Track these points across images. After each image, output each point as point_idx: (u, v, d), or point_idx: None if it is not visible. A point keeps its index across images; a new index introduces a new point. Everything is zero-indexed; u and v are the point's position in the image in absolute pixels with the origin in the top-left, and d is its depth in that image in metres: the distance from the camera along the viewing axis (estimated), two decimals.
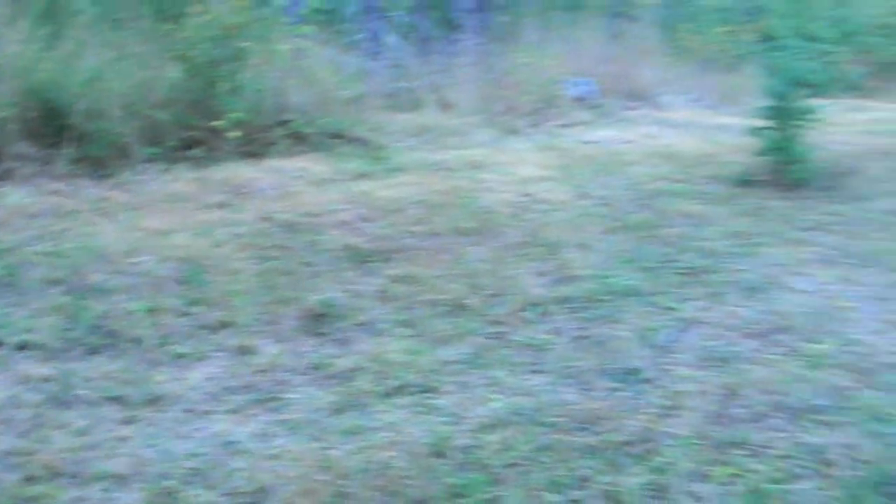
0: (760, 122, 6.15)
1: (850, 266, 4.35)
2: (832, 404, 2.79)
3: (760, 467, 2.44)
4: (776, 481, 2.36)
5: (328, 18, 10.75)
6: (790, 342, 3.36)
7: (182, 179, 5.52)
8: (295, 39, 7.01)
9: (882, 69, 12.93)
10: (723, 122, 8.51)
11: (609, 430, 2.64)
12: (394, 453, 2.52)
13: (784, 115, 6.02)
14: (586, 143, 7.31)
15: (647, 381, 3.03)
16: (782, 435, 2.61)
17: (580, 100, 8.68)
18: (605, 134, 7.71)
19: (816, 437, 2.58)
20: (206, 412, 2.84)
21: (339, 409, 2.86)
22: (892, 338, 3.36)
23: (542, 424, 2.70)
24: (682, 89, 10.08)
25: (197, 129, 5.96)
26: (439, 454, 2.53)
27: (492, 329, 3.54)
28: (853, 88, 11.87)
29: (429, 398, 2.93)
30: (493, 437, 2.61)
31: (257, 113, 6.24)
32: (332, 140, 6.49)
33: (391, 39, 9.56)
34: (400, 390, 2.98)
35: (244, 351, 3.32)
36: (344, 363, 3.22)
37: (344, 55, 8.71)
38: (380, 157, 6.31)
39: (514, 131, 7.57)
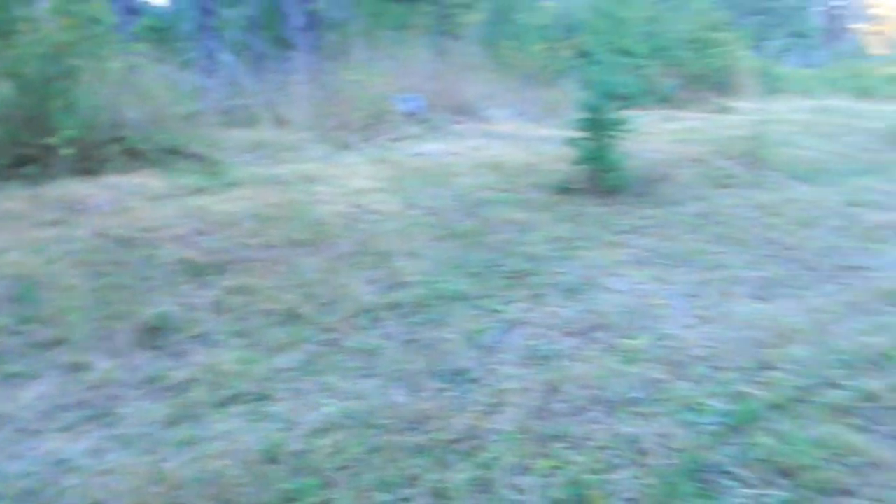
0: (577, 134, 6.74)
1: (663, 266, 4.88)
2: (647, 396, 3.10)
3: (580, 459, 2.67)
4: (595, 472, 2.60)
5: (162, 37, 11.50)
6: (607, 339, 3.71)
7: (15, 197, 5.56)
8: (128, 57, 7.40)
9: (692, 81, 14.59)
10: (545, 134, 9.25)
11: (437, 430, 2.87)
12: (227, 462, 2.66)
13: (598, 126, 6.63)
14: (416, 155, 7.82)
15: (474, 380, 3.30)
16: (600, 427, 2.88)
17: (410, 115, 9.36)
18: (433, 147, 8.27)
19: (632, 428, 2.85)
20: (38, 431, 2.93)
21: (172, 421, 3.00)
22: (701, 332, 3.78)
23: (373, 426, 2.90)
24: (506, 103, 10.95)
25: (30, 146, 6.13)
26: (272, 460, 2.69)
27: (325, 336, 3.81)
28: (666, 100, 13.29)
29: (262, 406, 3.12)
30: (326, 442, 2.79)
31: (91, 130, 6.46)
32: (168, 156, 6.79)
33: (226, 57, 10.25)
34: (234, 399, 3.17)
35: (77, 367, 3.43)
36: (178, 375, 3.38)
37: (179, 73, 9.12)
38: (216, 173, 6.56)
39: (346, 146, 8.06)
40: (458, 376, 3.33)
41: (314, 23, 10.83)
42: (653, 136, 8.73)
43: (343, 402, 3.12)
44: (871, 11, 53.75)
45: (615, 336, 3.73)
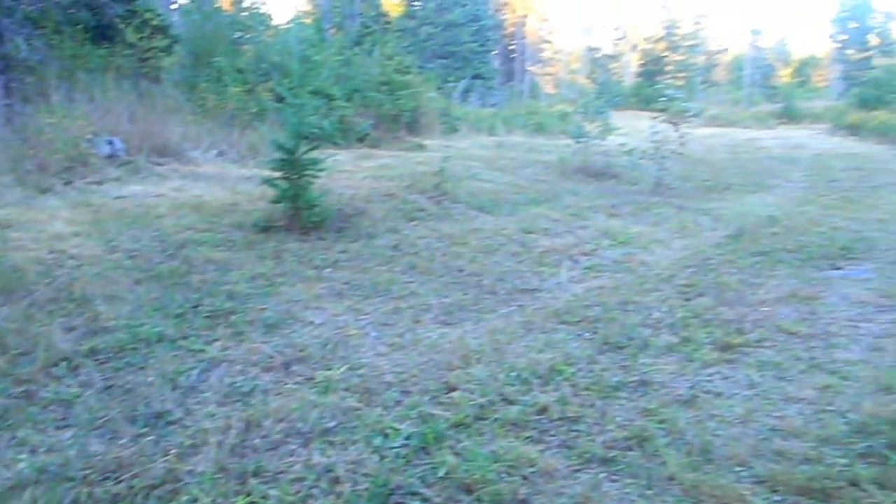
0: (274, 174, 6.78)
1: (359, 297, 5.03)
2: (341, 425, 3.15)
3: (275, 492, 2.66)
4: None
5: None
6: (305, 371, 3.74)
7: None
8: None
9: (386, 121, 15.44)
10: (246, 174, 9.25)
11: (134, 476, 2.72)
12: None
13: (293, 166, 6.72)
14: (117, 198, 7.49)
15: (173, 422, 3.17)
16: (296, 459, 2.88)
17: (111, 157, 9.01)
18: (135, 189, 7.98)
19: (326, 458, 2.88)
20: None
21: None
22: (393, 358, 3.95)
23: (69, 479, 2.70)
24: (208, 144, 10.86)
25: None
26: None
27: (19, 388, 3.47)
28: (362, 139, 13.90)
29: None
30: (18, 501, 2.57)
31: None
32: None
33: None
34: None
35: None
36: None
37: None
38: None
39: (46, 190, 7.56)
40: (157, 420, 3.19)
41: (8, 65, 9.87)
42: (350, 173, 9.05)
43: (37, 456, 2.87)
44: (544, 55, 60.66)
45: (313, 368, 3.77)
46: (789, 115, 40.66)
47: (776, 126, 37.21)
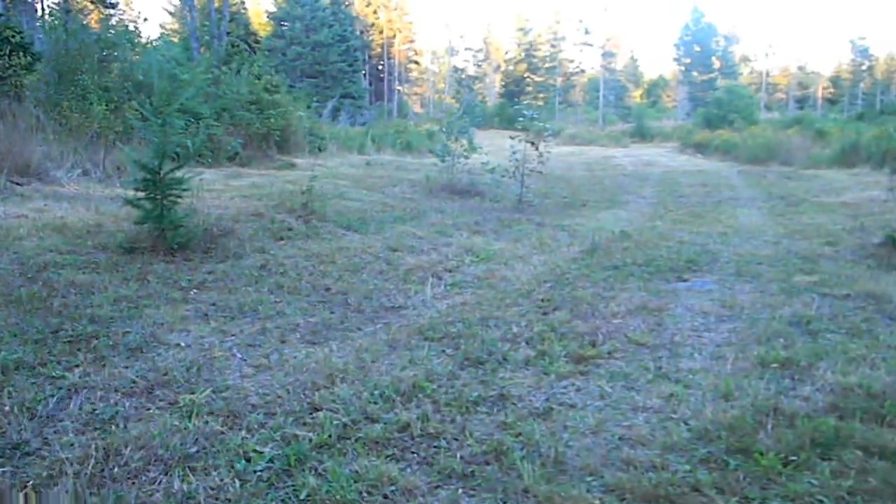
0: (137, 194, 6.57)
1: (225, 318, 4.95)
2: (203, 450, 3.09)
3: None
4: None
5: None
6: (169, 396, 3.64)
7: None
8: None
9: (256, 140, 15.24)
10: (110, 194, 8.90)
11: None
12: None
13: (157, 185, 6.53)
14: None
15: (30, 453, 3.02)
16: (157, 487, 2.80)
17: None
18: None
19: (187, 485, 2.81)
20: None
21: None
22: (258, 380, 3.91)
23: None
24: (72, 164, 10.41)
25: None
26: None
27: None
28: (232, 158, 13.65)
29: None
30: None
31: None
32: None
33: None
34: None
35: None
36: None
37: None
38: None
39: None
40: (14, 450, 3.03)
41: None
42: (219, 193, 8.86)
43: None
44: (411, 75, 61.38)
45: (176, 392, 3.67)
46: (641, 134, 42.92)
47: (630, 144, 39.22)
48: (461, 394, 3.85)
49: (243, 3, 46.47)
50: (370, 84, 52.94)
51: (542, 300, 5.91)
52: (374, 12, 53.43)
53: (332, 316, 5.19)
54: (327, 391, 3.77)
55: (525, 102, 57.70)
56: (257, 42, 42.64)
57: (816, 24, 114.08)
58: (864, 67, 64.52)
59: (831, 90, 66.18)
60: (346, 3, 47.53)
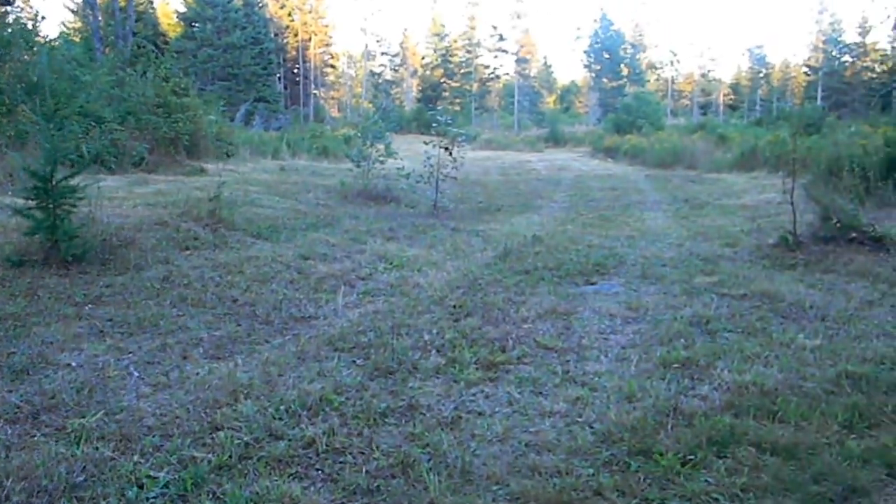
0: (28, 203, 6.21)
1: (122, 335, 4.71)
2: (92, 478, 2.91)
3: None
4: None
5: None
6: (56, 421, 3.42)
7: None
8: None
9: (164, 144, 14.65)
10: (1, 204, 8.32)
11: None
12: None
13: (49, 194, 6.18)
14: None
15: None
16: None
17: None
18: None
19: None
20: None
21: None
22: (156, 400, 3.73)
23: None
24: None
25: None
26: None
27: None
28: (138, 164, 13.08)
29: None
30: None
31: None
32: None
33: None
34: None
35: None
36: None
37: None
38: None
39: None
40: None
41: None
42: (121, 200, 8.48)
43: None
44: (328, 79, 60.74)
45: (64, 417, 3.46)
46: (555, 139, 43.70)
47: (544, 149, 39.85)
48: (369, 405, 3.77)
49: (151, 2, 45.05)
50: (285, 88, 52.12)
51: (455, 306, 5.89)
52: (289, 14, 52.62)
53: (238, 329, 5.02)
54: (230, 409, 3.63)
55: (442, 107, 58.27)
56: (166, 43, 41.36)
57: (718, 33, 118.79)
58: (761, 75, 67.50)
59: (732, 96, 68.96)
60: (260, 4, 46.65)
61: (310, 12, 53.75)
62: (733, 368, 4.38)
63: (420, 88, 64.98)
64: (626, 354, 4.76)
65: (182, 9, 43.33)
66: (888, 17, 46.25)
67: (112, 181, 10.89)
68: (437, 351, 4.76)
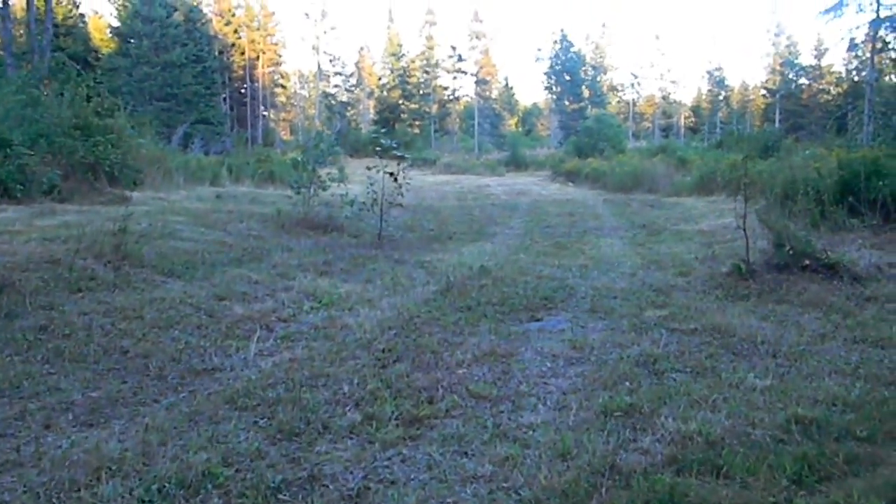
0: None
1: None
2: None
3: None
4: None
5: None
6: None
7: None
8: None
9: (80, 171, 13.82)
10: None
11: None
12: None
13: None
14: None
15: None
16: None
17: None
18: None
19: None
20: None
21: None
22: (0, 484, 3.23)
23: None
24: None
25: None
26: None
27: None
28: (49, 192, 12.32)
29: None
30: None
31: None
32: None
33: None
34: None
35: None
36: None
37: None
38: None
39: None
40: None
41: None
42: (14, 235, 7.87)
43: None
44: (279, 99, 60.11)
45: None
46: (516, 163, 43.81)
47: (505, 173, 39.88)
48: (262, 479, 3.33)
49: (82, 16, 44.10)
50: (232, 109, 51.47)
51: (384, 350, 5.48)
52: (235, 31, 52.01)
53: (122, 387, 4.49)
54: (89, 492, 3.13)
55: (400, 129, 58.06)
56: (98, 60, 40.45)
57: (678, 55, 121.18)
58: (721, 97, 68.69)
59: (693, 119, 70.05)
60: (202, 20, 45.99)
61: (258, 29, 53.27)
62: (678, 415, 4.11)
63: (377, 110, 64.76)
64: (566, 401, 4.43)
65: (116, 23, 42.41)
66: (841, 38, 47.35)
67: (13, 212, 10.28)
68: (356, 405, 4.35)
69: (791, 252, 7.92)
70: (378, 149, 12.45)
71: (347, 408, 4.28)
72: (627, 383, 4.71)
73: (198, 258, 8.31)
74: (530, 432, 3.94)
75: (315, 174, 13.24)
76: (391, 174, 11.73)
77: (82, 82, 16.19)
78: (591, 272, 8.96)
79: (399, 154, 12.35)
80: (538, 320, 6.57)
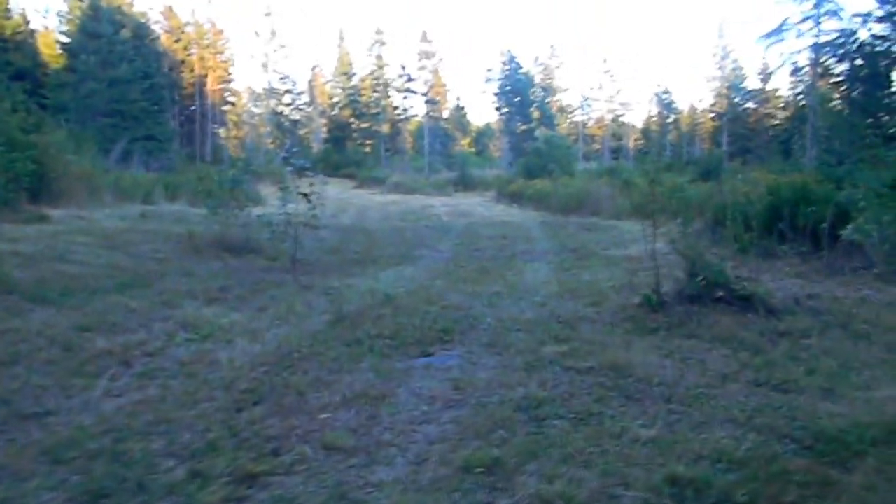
0: None
1: None
2: None
3: None
4: None
5: None
6: None
7: None
8: None
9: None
10: None
11: None
12: None
13: None
14: None
15: None
16: None
17: None
18: None
19: None
20: None
21: None
22: None
23: None
24: None
25: None
26: None
27: None
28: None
29: None
30: None
31: None
32: None
33: None
34: None
35: None
36: None
37: None
38: None
39: None
40: None
41: None
42: None
43: None
44: (229, 117, 59.12)
45: None
46: (465, 183, 43.54)
47: (454, 193, 39.57)
48: None
49: (32, 31, 43.10)
50: (182, 125, 50.52)
51: (246, 391, 5.03)
52: (185, 48, 51.15)
53: None
54: None
55: (352, 148, 57.57)
56: (46, 75, 39.44)
57: (627, 78, 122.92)
58: (670, 120, 69.52)
59: (642, 141, 70.71)
60: (151, 37, 45.11)
61: (207, 46, 52.45)
62: (546, 473, 3.69)
63: (329, 128, 64.20)
64: (429, 454, 4.01)
65: (66, 39, 41.38)
66: (783, 63, 48.20)
67: None
68: (191, 457, 3.89)
69: (704, 282, 7.57)
70: (289, 168, 11.98)
71: (176, 462, 3.82)
72: (502, 431, 4.28)
73: (81, 283, 7.75)
74: (375, 494, 3.52)
75: (232, 194, 12.72)
76: (304, 194, 11.19)
77: (4, 96, 15.52)
78: (503, 301, 8.59)
79: (310, 174, 11.83)
80: (428, 355, 6.15)
